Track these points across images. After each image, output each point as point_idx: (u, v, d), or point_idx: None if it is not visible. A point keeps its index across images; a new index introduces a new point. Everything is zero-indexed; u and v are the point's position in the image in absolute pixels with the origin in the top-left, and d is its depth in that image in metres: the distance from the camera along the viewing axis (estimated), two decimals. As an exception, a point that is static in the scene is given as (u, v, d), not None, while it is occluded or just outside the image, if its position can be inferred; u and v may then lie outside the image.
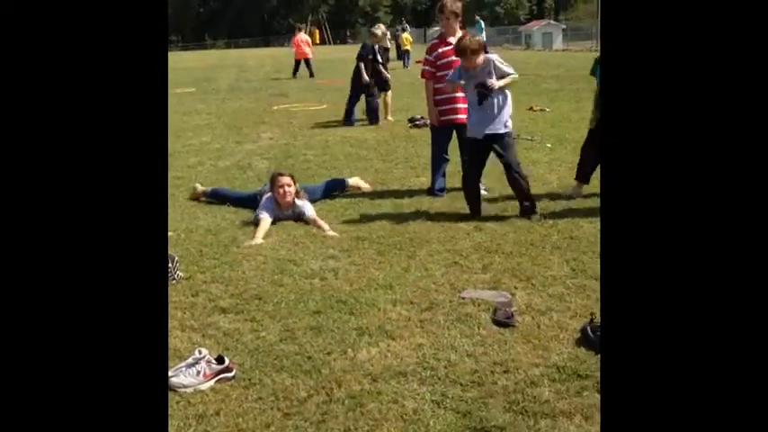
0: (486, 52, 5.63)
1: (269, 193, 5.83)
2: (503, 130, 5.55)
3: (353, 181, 6.79)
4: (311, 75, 21.27)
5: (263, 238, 5.27)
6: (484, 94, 5.48)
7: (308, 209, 5.78)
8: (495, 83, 5.44)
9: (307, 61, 21.65)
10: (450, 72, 6.05)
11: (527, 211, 5.57)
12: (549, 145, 8.57)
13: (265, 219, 5.53)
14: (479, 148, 5.68)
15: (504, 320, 3.65)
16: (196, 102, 15.93)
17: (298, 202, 5.78)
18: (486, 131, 5.55)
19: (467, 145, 5.90)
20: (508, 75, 5.54)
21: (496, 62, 5.55)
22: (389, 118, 11.54)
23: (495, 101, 5.52)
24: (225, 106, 14.44)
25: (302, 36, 22.20)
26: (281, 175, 5.86)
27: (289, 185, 5.75)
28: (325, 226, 5.56)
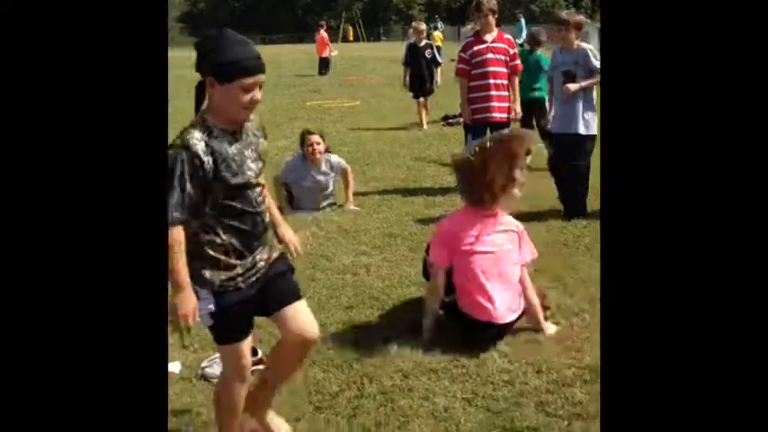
0: None
1: (298, 152, 6.07)
2: (578, 131, 5.40)
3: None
4: (320, 72, 20.96)
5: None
6: (566, 82, 5.36)
7: (341, 160, 6.13)
8: (572, 86, 5.33)
9: (322, 59, 21.55)
10: (485, 68, 6.04)
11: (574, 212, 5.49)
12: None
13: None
14: (557, 144, 5.61)
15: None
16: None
17: (327, 157, 6.03)
18: (561, 130, 5.48)
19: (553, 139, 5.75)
20: (597, 73, 5.35)
21: (589, 55, 5.40)
22: (425, 126, 10.59)
23: (580, 99, 5.37)
24: (265, 103, 14.56)
25: (323, 33, 22.13)
26: (311, 133, 5.99)
27: (318, 143, 5.89)
28: (351, 197, 6.08)
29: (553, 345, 3.38)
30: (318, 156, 5.92)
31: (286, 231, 2.64)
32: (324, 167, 6.02)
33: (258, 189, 2.40)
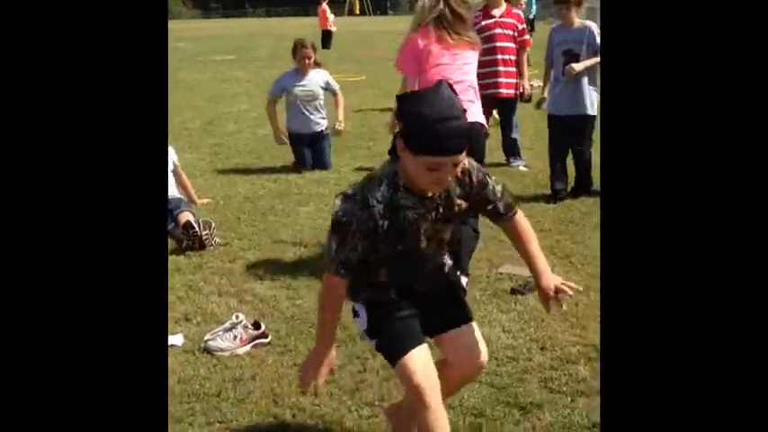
0: None
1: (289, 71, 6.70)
2: (586, 112, 5.26)
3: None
4: (323, 46, 20.80)
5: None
6: (568, 61, 5.20)
7: (333, 80, 6.75)
8: (577, 66, 5.17)
9: (324, 32, 21.39)
10: (493, 44, 5.92)
11: (582, 190, 5.40)
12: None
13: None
14: (556, 126, 5.42)
15: (519, 288, 3.66)
16: (235, 69, 15.99)
17: (318, 71, 6.61)
18: (564, 111, 5.30)
19: (548, 120, 5.59)
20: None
21: (595, 33, 5.21)
22: None
23: (584, 78, 5.21)
24: (264, 74, 14.43)
25: (324, 6, 21.93)
26: (304, 46, 6.50)
27: (310, 57, 6.49)
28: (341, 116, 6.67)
29: (558, 321, 3.37)
30: (308, 63, 6.47)
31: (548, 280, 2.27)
32: (313, 77, 6.54)
33: (434, 251, 2.18)
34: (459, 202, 2.11)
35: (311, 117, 6.55)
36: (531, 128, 7.54)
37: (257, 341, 3.20)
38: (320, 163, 6.54)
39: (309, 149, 6.53)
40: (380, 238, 2.04)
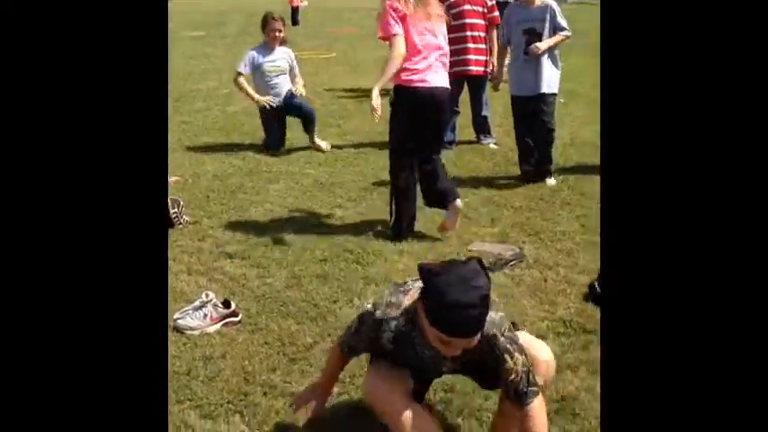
0: None
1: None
2: (550, 90, 5.16)
3: (318, 141, 6.51)
4: (292, 23, 20.59)
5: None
6: (530, 41, 5.07)
7: (295, 63, 6.72)
8: (542, 45, 5.05)
9: (293, 9, 21.13)
10: (462, 20, 5.83)
11: (543, 175, 5.36)
12: (561, 100, 8.41)
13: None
14: (521, 107, 5.31)
15: (489, 266, 3.68)
16: (205, 46, 15.73)
17: (284, 48, 6.66)
18: (529, 92, 5.18)
19: (512, 101, 5.42)
20: (562, 30, 5.14)
21: (556, 11, 5.11)
22: None
23: (545, 57, 5.12)
24: (234, 51, 14.24)
25: None
26: (275, 19, 6.56)
27: (280, 30, 6.54)
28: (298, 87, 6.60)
29: (527, 298, 3.40)
30: (277, 37, 6.49)
31: None
32: (280, 53, 6.56)
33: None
34: (486, 360, 2.06)
35: (279, 91, 6.49)
36: (501, 105, 7.53)
37: (227, 320, 3.18)
38: (304, 112, 6.48)
39: (278, 125, 6.46)
40: (391, 355, 2.15)
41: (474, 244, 4.08)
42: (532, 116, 5.25)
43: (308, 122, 6.48)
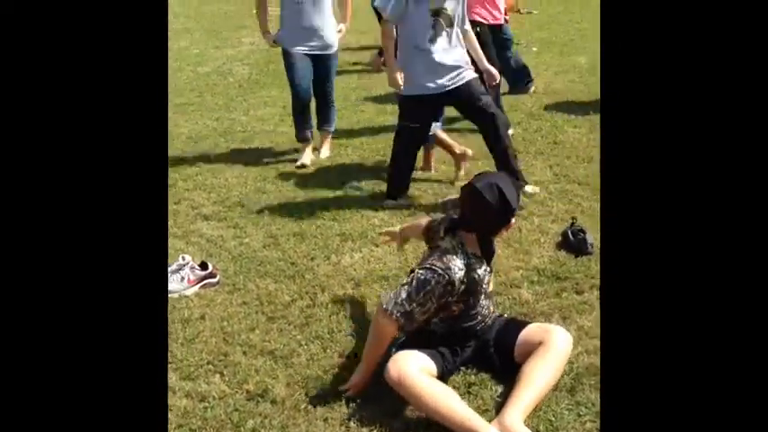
0: None
1: None
2: (470, 76, 3.96)
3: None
4: None
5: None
6: (442, 24, 3.86)
7: None
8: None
9: None
10: None
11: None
12: (535, 48, 8.40)
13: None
14: (432, 105, 4.09)
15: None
16: (173, 5, 15.36)
17: None
18: (447, 82, 3.92)
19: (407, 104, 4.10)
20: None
21: None
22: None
23: (455, 34, 3.94)
24: (203, 9, 13.98)
25: None
26: None
27: None
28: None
29: (502, 247, 3.43)
30: None
31: None
32: None
33: (487, 299, 2.50)
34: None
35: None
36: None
37: (205, 281, 3.20)
38: None
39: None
40: (455, 298, 2.35)
41: (449, 197, 4.10)
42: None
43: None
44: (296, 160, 4.85)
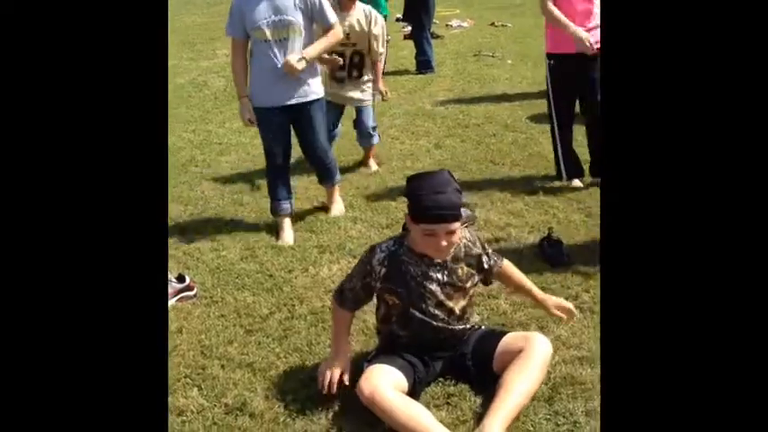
0: None
1: None
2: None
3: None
4: None
5: None
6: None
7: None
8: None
9: None
10: None
11: None
12: (509, 61, 8.49)
13: None
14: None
15: None
16: (148, 17, 15.31)
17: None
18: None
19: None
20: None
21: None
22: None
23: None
24: (176, 21, 13.93)
25: None
26: None
27: None
28: None
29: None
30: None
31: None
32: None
33: (441, 309, 2.44)
34: (462, 265, 2.46)
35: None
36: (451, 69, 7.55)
37: (183, 294, 3.18)
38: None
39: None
40: (377, 283, 2.41)
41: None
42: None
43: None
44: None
